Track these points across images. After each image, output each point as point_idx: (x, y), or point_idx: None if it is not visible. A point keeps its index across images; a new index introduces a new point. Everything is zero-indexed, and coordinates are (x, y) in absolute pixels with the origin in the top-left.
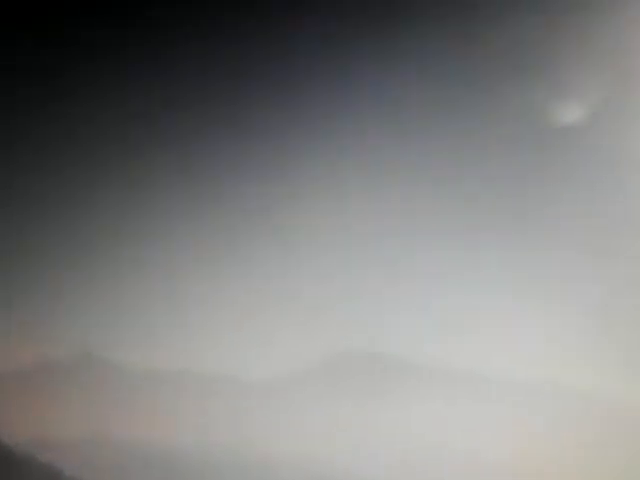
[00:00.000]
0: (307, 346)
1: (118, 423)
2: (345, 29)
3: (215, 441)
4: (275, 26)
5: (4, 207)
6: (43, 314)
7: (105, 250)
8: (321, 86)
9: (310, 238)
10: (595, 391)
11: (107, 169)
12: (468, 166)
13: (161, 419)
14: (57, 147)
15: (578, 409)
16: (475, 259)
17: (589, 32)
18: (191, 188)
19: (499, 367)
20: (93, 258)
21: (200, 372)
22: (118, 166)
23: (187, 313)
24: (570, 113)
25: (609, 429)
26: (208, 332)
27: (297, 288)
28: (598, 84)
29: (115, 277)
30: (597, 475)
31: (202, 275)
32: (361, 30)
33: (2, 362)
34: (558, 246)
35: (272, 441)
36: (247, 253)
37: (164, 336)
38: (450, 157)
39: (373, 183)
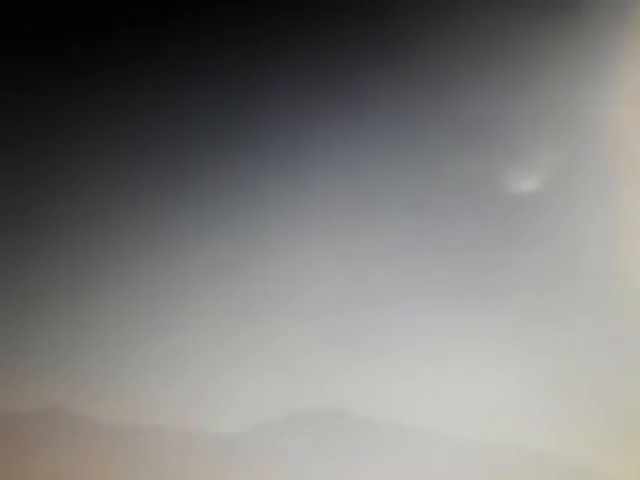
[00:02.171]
0: (276, 403)
1: (87, 477)
2: (308, 107)
3: None
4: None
5: None
6: (13, 366)
7: (83, 299)
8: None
9: (280, 303)
10: (549, 453)
11: (87, 219)
12: (425, 232)
13: (131, 474)
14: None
15: (532, 470)
16: (436, 322)
17: (543, 102)
18: (168, 254)
19: (460, 428)
20: (67, 312)
21: (171, 427)
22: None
23: (161, 369)
24: (524, 180)
25: None
26: (179, 387)
27: (270, 348)
28: (551, 152)
29: (92, 330)
30: None
31: (179, 331)
32: (327, 109)
33: None
34: (515, 308)
35: None
36: (224, 311)
37: (137, 391)
38: (408, 223)
39: (335, 250)
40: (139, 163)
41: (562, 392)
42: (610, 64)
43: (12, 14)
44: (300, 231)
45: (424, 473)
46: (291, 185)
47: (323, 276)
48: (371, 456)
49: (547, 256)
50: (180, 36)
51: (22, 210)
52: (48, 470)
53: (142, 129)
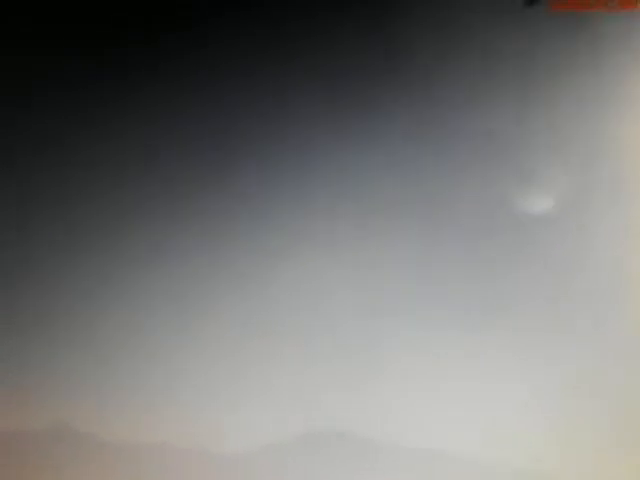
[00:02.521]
0: (280, 421)
1: None
2: (315, 119)
3: None
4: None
5: None
6: (16, 383)
7: (86, 314)
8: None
9: (283, 317)
10: (554, 472)
11: (86, 231)
12: (433, 247)
13: None
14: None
15: None
16: (442, 338)
17: (557, 121)
18: (171, 268)
19: (464, 447)
20: (70, 329)
21: (174, 444)
22: (97, 230)
23: (165, 386)
24: (535, 196)
25: None
26: (182, 404)
27: (273, 364)
28: (563, 169)
29: (95, 347)
30: None
31: (182, 347)
32: (335, 122)
33: None
34: (523, 326)
35: None
36: (228, 327)
37: (140, 408)
38: (415, 238)
39: (340, 263)
40: (142, 175)
41: (568, 411)
42: (625, 81)
43: (12, 14)
44: (306, 243)
45: None
46: (297, 197)
47: (328, 289)
48: (372, 476)
49: (558, 273)
50: (186, 43)
51: (23, 223)
52: None
53: (146, 138)
